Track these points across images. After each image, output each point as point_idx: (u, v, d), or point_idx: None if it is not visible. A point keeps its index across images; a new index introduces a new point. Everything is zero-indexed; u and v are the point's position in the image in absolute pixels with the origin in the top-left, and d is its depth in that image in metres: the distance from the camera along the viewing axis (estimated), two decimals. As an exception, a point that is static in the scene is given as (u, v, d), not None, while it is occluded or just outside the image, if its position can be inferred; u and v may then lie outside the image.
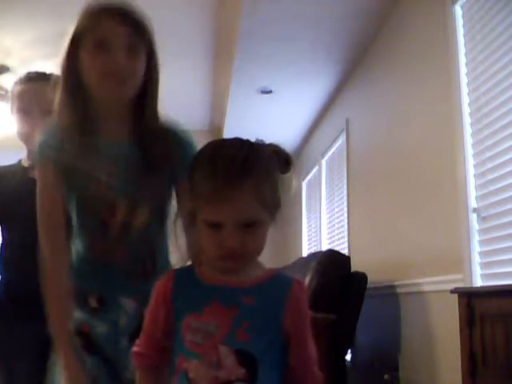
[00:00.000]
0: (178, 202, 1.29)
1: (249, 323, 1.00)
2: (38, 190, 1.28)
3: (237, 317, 1.01)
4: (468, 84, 2.50)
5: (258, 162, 1.02)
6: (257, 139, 1.10)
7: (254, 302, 1.03)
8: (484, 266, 2.33)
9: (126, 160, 1.27)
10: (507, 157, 2.19)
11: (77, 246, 1.32)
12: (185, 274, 1.09)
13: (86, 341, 1.27)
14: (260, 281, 1.06)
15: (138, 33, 1.31)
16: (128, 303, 1.28)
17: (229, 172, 0.98)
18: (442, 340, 2.64)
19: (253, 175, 1.00)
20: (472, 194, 2.42)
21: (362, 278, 3.20)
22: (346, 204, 4.41)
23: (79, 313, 1.29)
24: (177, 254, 1.16)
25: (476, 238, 2.38)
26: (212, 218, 1.00)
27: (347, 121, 4.45)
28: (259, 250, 1.05)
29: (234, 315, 1.01)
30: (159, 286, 1.07)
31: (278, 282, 1.08)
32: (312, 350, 1.07)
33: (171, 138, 1.31)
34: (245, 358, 0.99)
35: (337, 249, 4.02)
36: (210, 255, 1.03)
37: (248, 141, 1.08)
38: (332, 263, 3.24)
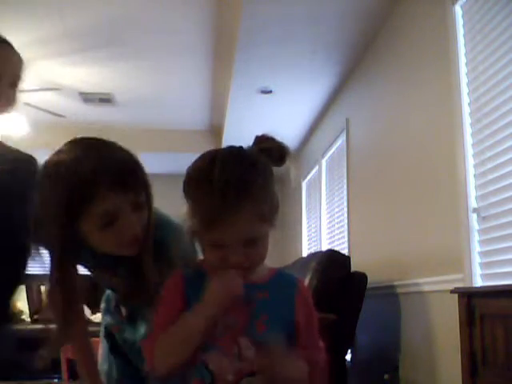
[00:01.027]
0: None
1: (266, 316, 1.05)
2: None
3: (254, 310, 1.04)
4: (468, 84, 2.50)
5: (254, 182, 1.01)
6: (255, 138, 1.10)
7: (267, 296, 1.07)
8: (484, 266, 2.33)
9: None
10: (507, 157, 2.19)
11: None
12: (193, 272, 1.10)
13: (112, 343, 1.40)
14: (268, 278, 1.10)
15: (138, 190, 1.22)
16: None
17: (226, 197, 0.97)
18: (442, 340, 2.64)
19: (250, 196, 1.00)
20: (472, 194, 2.42)
21: (362, 278, 3.20)
22: (345, 204, 4.41)
23: (111, 317, 1.42)
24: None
25: (476, 238, 2.38)
26: (214, 240, 1.01)
27: (347, 121, 4.45)
28: (264, 258, 1.08)
29: (251, 309, 1.04)
30: (169, 282, 1.09)
31: (284, 279, 1.13)
32: (319, 342, 1.14)
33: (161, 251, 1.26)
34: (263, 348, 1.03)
35: (337, 249, 4.02)
36: (216, 269, 1.04)
37: (240, 152, 1.06)
38: (332, 263, 3.24)
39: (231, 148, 1.07)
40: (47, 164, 1.23)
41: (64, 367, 3.82)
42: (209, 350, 1.02)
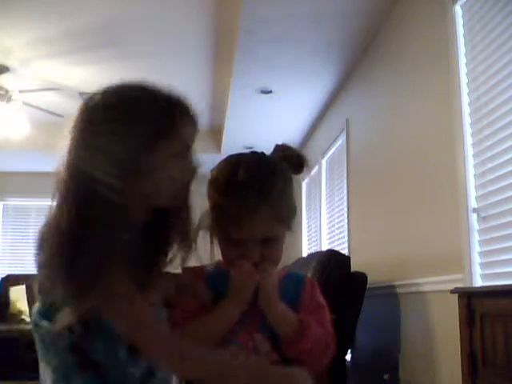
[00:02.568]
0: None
1: None
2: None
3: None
4: (468, 84, 2.50)
5: (274, 185, 1.09)
6: (276, 146, 1.18)
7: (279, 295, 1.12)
8: (484, 266, 2.33)
9: None
10: (507, 157, 2.18)
11: None
12: (215, 269, 1.16)
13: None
14: (279, 278, 1.14)
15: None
16: None
17: (247, 198, 1.06)
18: (442, 340, 2.64)
19: (269, 199, 1.08)
20: (472, 193, 2.41)
21: (362, 278, 3.20)
22: (345, 204, 4.41)
23: None
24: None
25: (476, 237, 2.38)
26: (232, 238, 1.08)
27: (347, 121, 4.45)
28: (279, 260, 1.14)
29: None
30: (192, 277, 1.14)
31: (293, 280, 1.19)
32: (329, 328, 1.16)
33: None
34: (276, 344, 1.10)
35: (337, 249, 4.02)
36: (233, 266, 1.10)
37: (262, 157, 1.14)
38: (332, 263, 3.24)
39: (254, 153, 1.16)
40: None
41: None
42: (228, 344, 1.08)
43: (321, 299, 1.18)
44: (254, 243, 1.08)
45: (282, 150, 1.17)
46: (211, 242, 1.13)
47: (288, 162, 1.16)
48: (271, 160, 1.15)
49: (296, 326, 1.08)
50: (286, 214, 1.12)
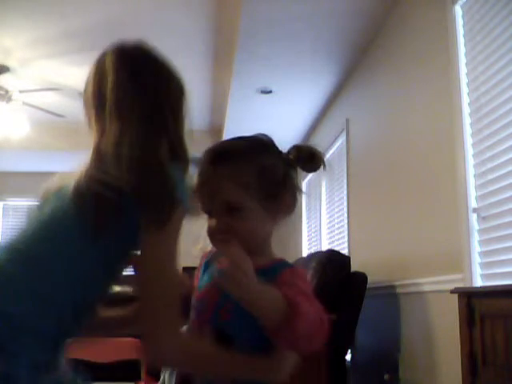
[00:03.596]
0: None
1: (231, 305, 0.98)
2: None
3: (221, 298, 1.01)
4: (468, 84, 2.50)
5: (237, 150, 1.07)
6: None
7: None
8: (484, 266, 2.33)
9: None
10: (507, 157, 2.18)
11: None
12: (212, 254, 1.13)
13: None
14: (262, 267, 1.02)
15: None
16: None
17: (210, 159, 1.06)
18: (442, 340, 2.64)
19: (233, 160, 1.05)
20: (472, 193, 2.41)
21: (362, 278, 3.20)
22: (345, 204, 4.41)
23: None
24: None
25: (476, 237, 2.38)
26: (202, 207, 1.07)
27: (347, 121, 4.45)
28: (250, 236, 1.05)
29: (219, 296, 1.02)
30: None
31: (272, 269, 1.04)
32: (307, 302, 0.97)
33: None
34: (221, 337, 1.02)
35: (337, 249, 4.02)
36: (212, 246, 1.08)
37: (259, 138, 1.13)
38: (332, 263, 3.24)
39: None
40: None
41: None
42: (187, 330, 1.07)
43: (302, 286, 1.00)
44: (220, 212, 1.04)
45: (297, 150, 1.14)
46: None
47: (300, 160, 1.13)
48: (253, 138, 1.13)
49: (282, 306, 0.90)
50: (255, 186, 1.04)
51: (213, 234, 1.06)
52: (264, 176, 1.06)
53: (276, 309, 0.90)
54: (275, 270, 1.03)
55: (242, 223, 1.04)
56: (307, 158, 1.13)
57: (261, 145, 1.11)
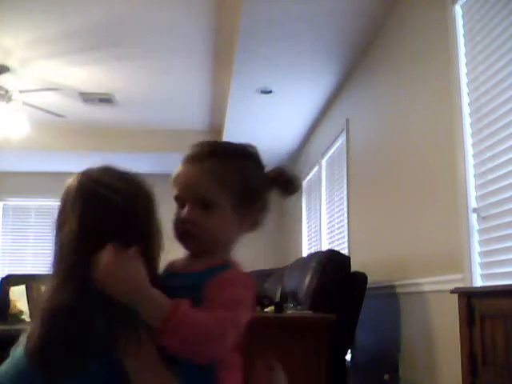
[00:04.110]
0: None
1: None
2: None
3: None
4: (468, 84, 2.50)
5: (214, 152, 1.10)
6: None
7: (179, 284, 1.04)
8: (484, 266, 2.33)
9: None
10: (507, 157, 2.18)
11: None
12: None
13: None
14: (198, 269, 1.06)
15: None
16: None
17: (198, 154, 1.09)
18: (442, 340, 2.64)
19: (219, 159, 1.08)
20: (472, 193, 2.41)
21: (362, 278, 3.20)
22: (345, 204, 4.41)
23: None
24: None
25: (476, 238, 2.38)
26: (175, 195, 1.09)
27: (347, 121, 4.45)
28: (216, 237, 1.08)
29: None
30: None
31: (206, 272, 1.04)
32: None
33: None
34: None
35: (337, 249, 4.02)
36: (174, 235, 1.09)
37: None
38: (332, 263, 3.24)
39: None
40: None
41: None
42: None
43: (227, 294, 0.99)
44: (193, 205, 1.06)
45: (278, 172, 1.16)
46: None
47: (277, 182, 1.15)
48: (241, 145, 1.15)
49: (161, 310, 0.94)
50: (230, 183, 1.07)
51: (179, 223, 1.07)
52: (244, 182, 1.09)
53: (155, 314, 0.94)
54: (209, 273, 1.03)
55: (210, 220, 1.06)
56: (285, 183, 1.16)
57: (248, 153, 1.14)
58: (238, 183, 1.08)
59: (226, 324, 0.96)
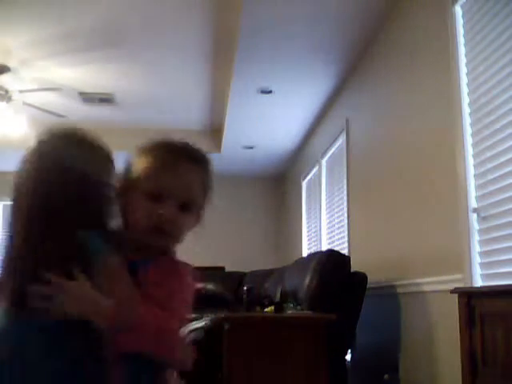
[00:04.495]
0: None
1: None
2: None
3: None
4: (468, 84, 2.50)
5: (204, 155, 1.19)
6: None
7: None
8: (484, 266, 2.33)
9: None
10: (507, 157, 2.18)
11: None
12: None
13: None
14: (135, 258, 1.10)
15: None
16: None
17: (190, 155, 1.15)
18: (442, 340, 2.64)
19: (206, 164, 1.18)
20: (472, 194, 2.42)
21: (362, 278, 3.20)
22: (345, 204, 4.41)
23: None
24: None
25: (476, 238, 2.38)
26: (158, 188, 1.10)
27: (347, 121, 4.45)
28: (182, 234, 1.14)
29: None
30: None
31: (142, 261, 1.11)
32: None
33: None
34: None
35: (337, 249, 4.02)
36: (141, 225, 1.10)
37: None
38: (332, 263, 3.24)
39: None
40: None
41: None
42: None
43: (158, 280, 1.08)
44: (176, 202, 1.10)
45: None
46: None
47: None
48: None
49: (104, 312, 0.99)
50: (207, 191, 1.17)
51: (159, 219, 1.09)
52: (210, 188, 1.19)
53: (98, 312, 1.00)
54: (144, 262, 1.10)
55: (186, 220, 1.13)
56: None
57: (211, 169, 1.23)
58: (209, 190, 1.19)
59: (167, 323, 1.02)
